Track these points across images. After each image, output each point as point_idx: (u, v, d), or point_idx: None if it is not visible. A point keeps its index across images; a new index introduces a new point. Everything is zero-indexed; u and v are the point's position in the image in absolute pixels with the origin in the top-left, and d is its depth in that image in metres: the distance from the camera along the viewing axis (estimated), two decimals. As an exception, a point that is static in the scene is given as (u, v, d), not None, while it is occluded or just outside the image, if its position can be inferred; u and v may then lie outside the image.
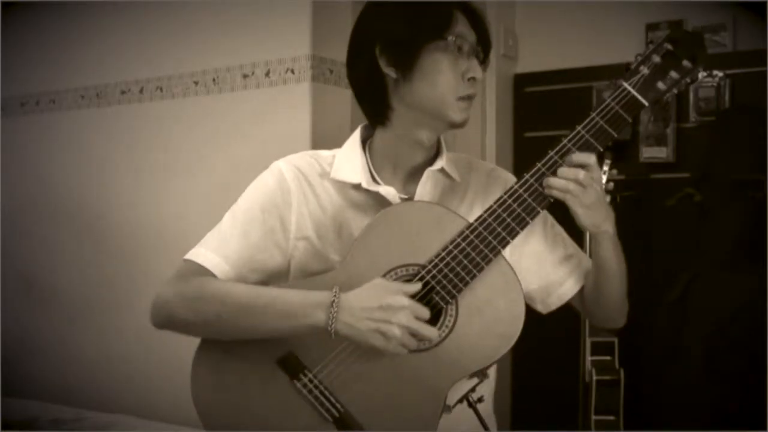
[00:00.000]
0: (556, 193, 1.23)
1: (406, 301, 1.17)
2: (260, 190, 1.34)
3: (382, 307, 1.16)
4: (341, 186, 1.33)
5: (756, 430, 2.08)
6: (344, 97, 2.28)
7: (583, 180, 1.22)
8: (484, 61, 1.31)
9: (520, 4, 3.10)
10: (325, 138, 2.26)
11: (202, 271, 1.28)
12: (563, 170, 1.24)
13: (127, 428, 2.26)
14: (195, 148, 2.53)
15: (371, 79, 1.30)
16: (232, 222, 1.32)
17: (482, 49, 1.30)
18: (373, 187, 1.31)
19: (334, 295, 1.17)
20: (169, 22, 2.59)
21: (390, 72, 1.28)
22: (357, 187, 1.32)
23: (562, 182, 1.23)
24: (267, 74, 2.37)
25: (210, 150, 2.50)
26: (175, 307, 1.25)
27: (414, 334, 1.16)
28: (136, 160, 2.67)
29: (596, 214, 1.26)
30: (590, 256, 1.38)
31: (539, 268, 1.38)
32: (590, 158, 1.24)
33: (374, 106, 1.33)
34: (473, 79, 1.28)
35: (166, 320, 1.27)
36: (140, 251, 2.66)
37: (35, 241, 2.92)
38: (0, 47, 2.88)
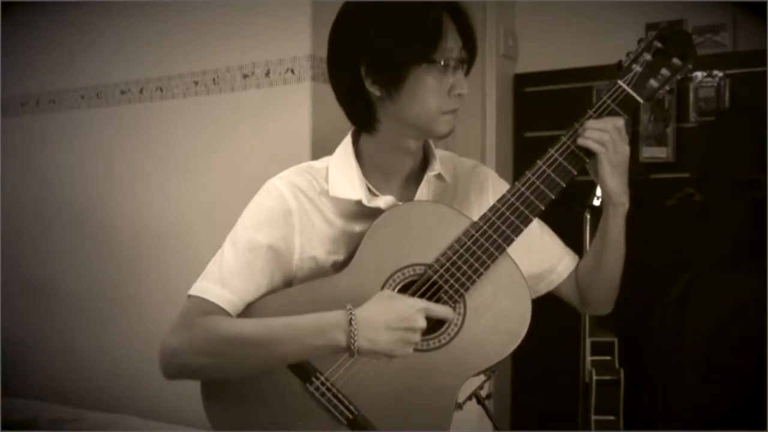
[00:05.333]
0: (591, 144, 1.24)
1: (420, 303, 1.17)
2: (260, 215, 1.30)
3: (401, 317, 1.15)
4: (341, 201, 1.31)
5: (756, 430, 2.08)
6: (344, 97, 2.27)
7: (615, 136, 1.24)
8: (470, 67, 1.30)
9: (520, 4, 3.10)
10: (325, 138, 2.26)
11: (210, 307, 1.24)
12: (597, 122, 1.25)
13: (127, 428, 2.27)
14: (195, 148, 2.53)
15: (355, 94, 1.29)
16: (235, 252, 1.28)
17: (468, 55, 1.28)
18: (373, 203, 1.30)
19: (350, 314, 1.15)
20: (169, 22, 2.58)
21: (375, 91, 1.26)
22: (357, 203, 1.31)
23: (598, 132, 1.24)
24: (267, 74, 2.37)
25: (210, 150, 2.50)
26: (186, 355, 1.21)
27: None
28: (136, 160, 2.67)
29: (620, 180, 1.28)
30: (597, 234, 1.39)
31: (530, 255, 1.38)
32: (620, 121, 1.26)
33: (360, 118, 1.32)
34: (459, 94, 1.27)
35: (178, 370, 1.23)
36: (141, 251, 2.65)
37: (36, 241, 2.92)
38: (0, 47, 2.88)
